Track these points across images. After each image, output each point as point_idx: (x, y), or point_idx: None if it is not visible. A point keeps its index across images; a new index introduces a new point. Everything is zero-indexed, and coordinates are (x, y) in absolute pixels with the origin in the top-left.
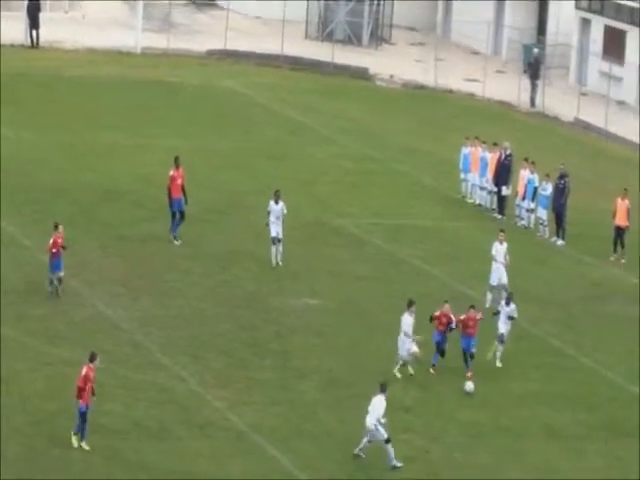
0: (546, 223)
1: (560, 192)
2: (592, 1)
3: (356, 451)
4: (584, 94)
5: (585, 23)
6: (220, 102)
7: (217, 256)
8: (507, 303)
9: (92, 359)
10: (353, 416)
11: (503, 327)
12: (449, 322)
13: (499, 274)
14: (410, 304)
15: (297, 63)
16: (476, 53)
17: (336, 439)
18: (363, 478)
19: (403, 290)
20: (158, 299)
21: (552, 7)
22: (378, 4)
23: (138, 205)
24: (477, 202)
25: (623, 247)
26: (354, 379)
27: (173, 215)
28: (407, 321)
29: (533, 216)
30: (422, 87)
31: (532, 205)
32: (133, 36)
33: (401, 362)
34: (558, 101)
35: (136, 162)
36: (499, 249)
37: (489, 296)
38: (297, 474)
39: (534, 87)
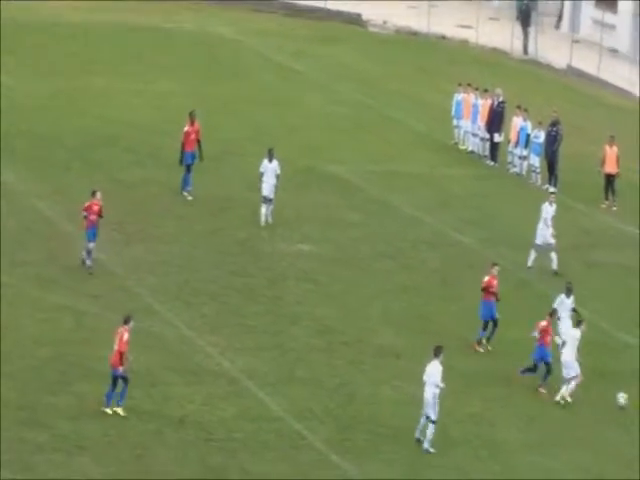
0: (538, 170)
1: (552, 139)
2: None
3: (417, 435)
4: (577, 41)
5: None
6: (214, 48)
7: (210, 203)
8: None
9: (127, 321)
10: (344, 362)
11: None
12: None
13: (544, 234)
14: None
15: (290, 9)
16: (471, 2)
17: (327, 385)
18: (352, 422)
19: (395, 237)
20: (151, 245)
21: None
22: None
23: (132, 150)
24: (469, 149)
25: (614, 194)
26: (345, 325)
27: (187, 169)
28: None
29: (525, 163)
30: (415, 33)
31: (525, 152)
32: None
33: None
34: (551, 48)
35: (130, 107)
36: (549, 210)
37: (533, 255)
38: (288, 419)
39: (526, 34)
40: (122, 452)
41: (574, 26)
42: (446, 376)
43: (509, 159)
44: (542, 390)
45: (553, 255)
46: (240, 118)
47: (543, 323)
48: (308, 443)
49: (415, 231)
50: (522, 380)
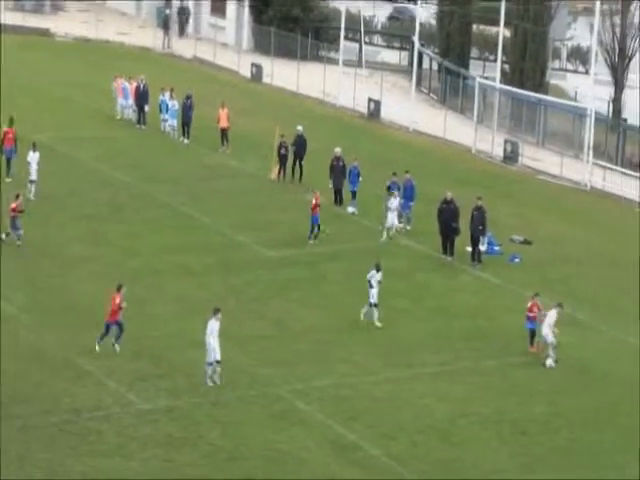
0: (175, 128)
1: (188, 107)
2: None
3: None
4: (199, 39)
5: None
6: None
7: None
8: (377, 270)
9: (119, 289)
10: None
11: (374, 293)
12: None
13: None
14: (216, 311)
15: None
16: (125, 14)
17: None
18: None
19: (81, 179)
20: None
21: None
22: None
23: None
24: (125, 117)
25: (228, 142)
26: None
27: None
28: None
29: (167, 124)
30: (87, 40)
31: (167, 117)
32: None
33: None
34: (182, 45)
35: None
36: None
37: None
38: None
39: (165, 36)
40: None
41: (197, 28)
42: None
43: (161, 127)
44: None
45: None
46: None
47: None
48: None
49: (94, 175)
50: None
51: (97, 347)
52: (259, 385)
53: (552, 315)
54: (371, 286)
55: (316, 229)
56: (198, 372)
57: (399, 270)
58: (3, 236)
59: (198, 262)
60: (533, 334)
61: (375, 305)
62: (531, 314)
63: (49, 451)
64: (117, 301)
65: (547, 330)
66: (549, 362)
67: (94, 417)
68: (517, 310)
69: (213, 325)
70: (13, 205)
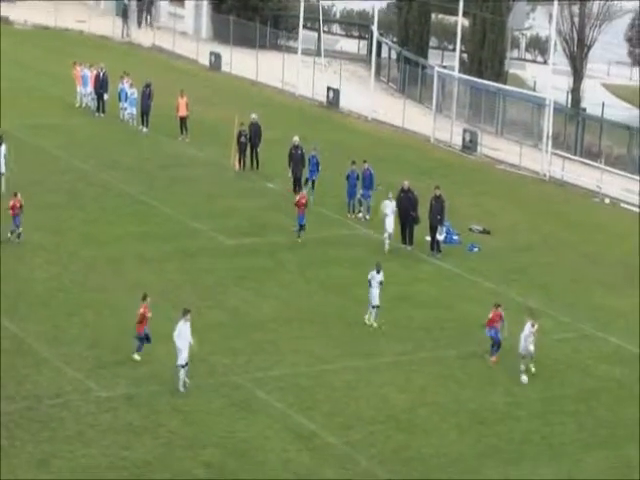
0: (134, 117)
1: (147, 96)
2: None
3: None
4: (159, 28)
5: None
6: None
7: None
8: (377, 272)
9: (144, 298)
10: None
11: (375, 294)
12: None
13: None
14: (185, 312)
15: None
16: (84, 3)
17: None
18: None
19: (43, 168)
20: None
21: None
22: None
23: None
24: (84, 105)
25: (187, 130)
26: None
27: None
28: (183, 328)
29: (127, 112)
30: (47, 27)
31: (126, 105)
32: None
33: None
34: (141, 34)
35: None
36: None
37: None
38: None
39: (124, 25)
40: None
41: (156, 17)
42: None
43: (120, 115)
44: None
45: None
46: None
47: None
48: None
49: (54, 163)
50: None
51: (137, 356)
52: (218, 374)
53: (528, 328)
54: (371, 287)
55: (300, 228)
56: (156, 360)
57: (358, 259)
58: (9, 235)
59: (156, 250)
60: (494, 343)
61: (377, 307)
62: (494, 324)
63: (9, 438)
64: (141, 311)
65: (524, 343)
66: (523, 378)
67: (55, 404)
68: (476, 300)
69: (181, 327)
70: (11, 203)
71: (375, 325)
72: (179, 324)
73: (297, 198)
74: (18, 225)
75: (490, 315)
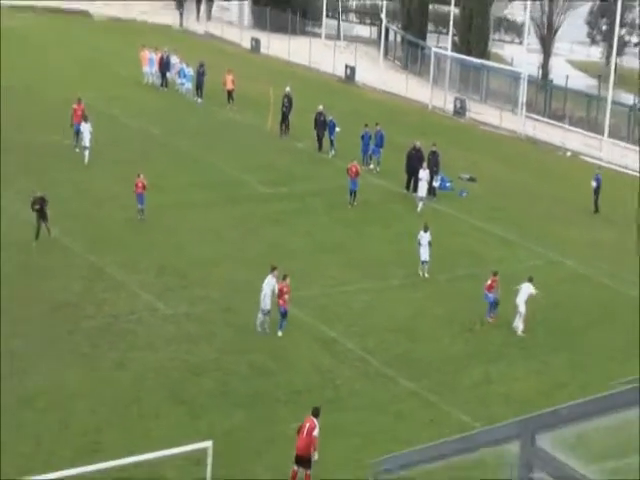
0: (190, 88)
1: (201, 74)
2: None
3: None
4: (210, 18)
5: None
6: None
7: None
8: (425, 231)
9: (284, 278)
10: None
11: (425, 251)
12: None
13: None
14: (273, 269)
15: (46, 9)
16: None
17: None
18: None
19: (118, 135)
20: None
21: None
22: None
23: None
24: (150, 82)
25: (233, 101)
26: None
27: None
28: (271, 281)
29: (184, 87)
30: (119, 19)
31: (184, 81)
32: None
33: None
34: (195, 23)
35: None
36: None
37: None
38: None
39: (181, 15)
40: None
41: (208, 11)
42: None
43: (176, 87)
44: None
45: None
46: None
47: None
48: None
49: (126, 131)
50: None
51: (280, 332)
52: (257, 293)
53: (525, 288)
54: (421, 245)
55: (351, 194)
56: (210, 284)
57: (371, 203)
58: (138, 216)
59: (209, 197)
60: (492, 305)
61: (425, 262)
62: (491, 290)
63: (92, 346)
64: (279, 286)
65: (520, 302)
66: (519, 332)
67: (130, 320)
68: (464, 234)
69: (270, 279)
70: (137, 182)
71: (427, 276)
72: (268, 277)
73: (349, 166)
74: (142, 204)
75: (489, 282)
